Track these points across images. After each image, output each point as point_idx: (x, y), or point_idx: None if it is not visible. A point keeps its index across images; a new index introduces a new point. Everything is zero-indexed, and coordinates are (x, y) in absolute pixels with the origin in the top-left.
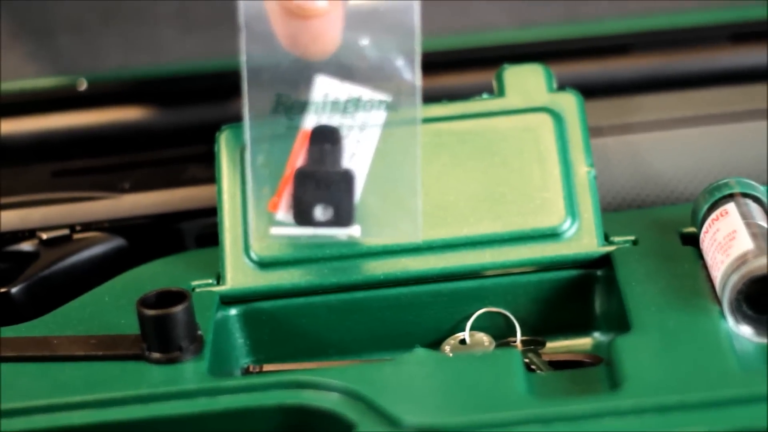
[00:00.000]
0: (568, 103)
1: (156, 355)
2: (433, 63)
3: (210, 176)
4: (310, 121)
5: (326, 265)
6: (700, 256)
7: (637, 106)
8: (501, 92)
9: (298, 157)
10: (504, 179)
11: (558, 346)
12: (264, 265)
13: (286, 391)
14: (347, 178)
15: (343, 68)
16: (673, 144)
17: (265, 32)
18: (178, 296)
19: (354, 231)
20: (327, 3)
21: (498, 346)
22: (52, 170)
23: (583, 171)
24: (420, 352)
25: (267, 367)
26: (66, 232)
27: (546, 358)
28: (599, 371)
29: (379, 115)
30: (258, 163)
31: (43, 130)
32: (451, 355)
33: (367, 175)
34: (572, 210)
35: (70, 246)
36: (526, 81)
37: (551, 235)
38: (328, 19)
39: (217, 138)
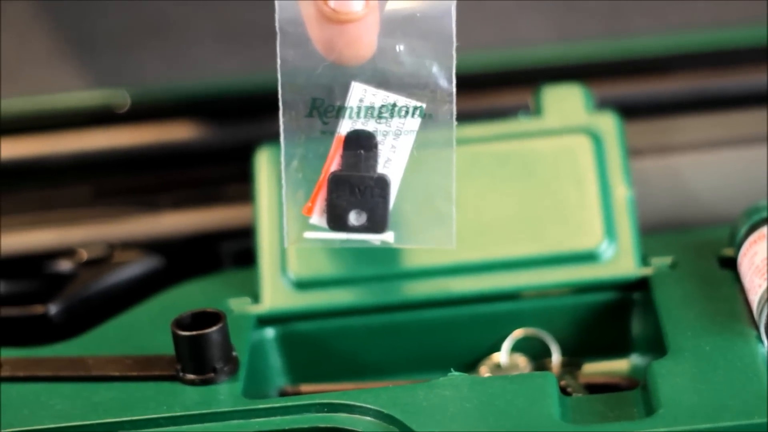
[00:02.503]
0: (607, 124)
1: (190, 376)
2: (469, 82)
3: (249, 196)
4: (345, 127)
5: (364, 285)
6: (738, 279)
7: (677, 127)
8: (538, 112)
9: (333, 162)
10: (541, 201)
11: (595, 368)
12: (301, 285)
13: (320, 414)
14: (382, 183)
15: (378, 74)
16: (714, 165)
17: (300, 36)
18: (214, 317)
19: (387, 237)
20: (363, 8)
21: (535, 367)
22: (92, 188)
23: (621, 193)
24: (454, 375)
25: (304, 388)
26: (105, 251)
27: (582, 380)
28: (635, 395)
29: (414, 122)
30: (292, 167)
31: (84, 148)
32: (486, 376)
33: (402, 181)
34: (610, 232)
35: (109, 265)
36: (564, 101)
37: (589, 257)
38: (364, 24)
39: (253, 157)
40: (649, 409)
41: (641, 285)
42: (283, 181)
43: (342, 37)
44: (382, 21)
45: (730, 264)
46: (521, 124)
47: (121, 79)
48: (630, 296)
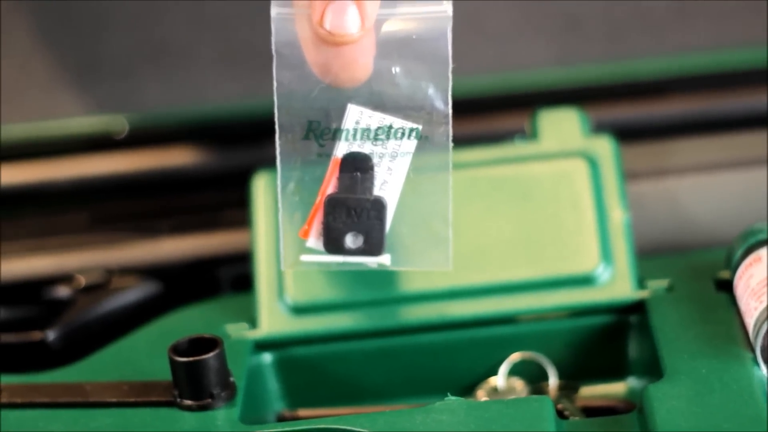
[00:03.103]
0: (603, 147)
1: (188, 402)
2: (466, 105)
3: (246, 221)
4: (341, 149)
5: (361, 310)
6: (734, 301)
7: (674, 150)
8: (535, 136)
9: (329, 185)
10: (538, 224)
11: (592, 391)
12: (298, 310)
13: None
14: (378, 206)
15: (374, 96)
16: (710, 188)
17: (296, 59)
18: (211, 343)
19: (384, 259)
20: (358, 30)
21: (532, 391)
22: (90, 214)
23: (618, 216)
24: (451, 399)
25: (301, 413)
26: (103, 276)
27: (579, 403)
28: (631, 419)
29: (411, 144)
30: (288, 190)
31: (83, 174)
32: (483, 400)
33: (398, 204)
34: (606, 255)
35: (107, 291)
36: (560, 125)
37: (585, 280)
38: (360, 46)
39: (250, 182)
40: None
41: (638, 308)
42: (280, 204)
43: (338, 60)
44: (378, 43)
45: (727, 287)
46: (517, 148)
47: (119, 105)
48: (626, 319)
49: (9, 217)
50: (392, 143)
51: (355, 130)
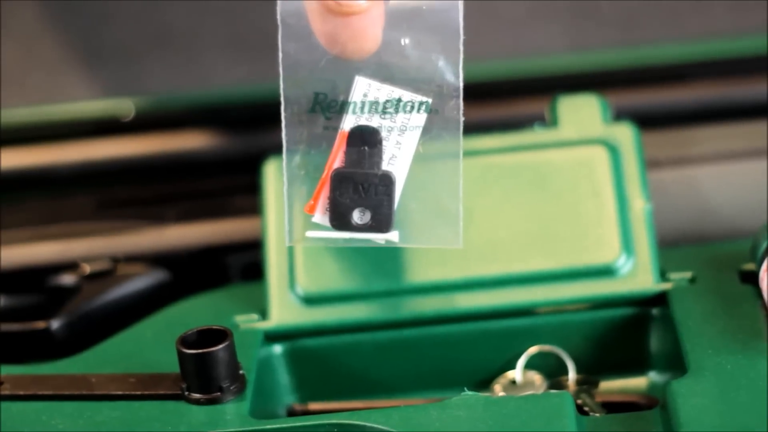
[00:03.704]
0: (624, 135)
1: (196, 395)
2: (482, 91)
3: (257, 207)
4: (348, 122)
5: (374, 300)
6: (760, 294)
7: (696, 138)
8: (554, 123)
9: (336, 159)
10: (557, 214)
11: (612, 385)
12: (310, 301)
13: None
14: (386, 181)
15: (382, 68)
16: (733, 177)
17: (302, 29)
18: (220, 334)
19: (392, 236)
20: (367, 0)
21: (550, 385)
22: (96, 200)
23: (639, 206)
24: (467, 394)
25: (312, 406)
26: (109, 264)
27: (599, 398)
28: (654, 415)
29: (420, 117)
30: (294, 164)
31: (88, 158)
32: (501, 394)
33: (407, 179)
34: (627, 246)
35: (113, 279)
36: (580, 112)
37: (606, 271)
38: (369, 16)
39: (261, 168)
40: (669, 430)
41: (659, 300)
42: (285, 178)
43: (346, 30)
44: (387, 13)
45: (752, 279)
46: (536, 135)
47: (125, 88)
48: (648, 312)
49: (12, 202)
50: (401, 117)
51: (363, 103)
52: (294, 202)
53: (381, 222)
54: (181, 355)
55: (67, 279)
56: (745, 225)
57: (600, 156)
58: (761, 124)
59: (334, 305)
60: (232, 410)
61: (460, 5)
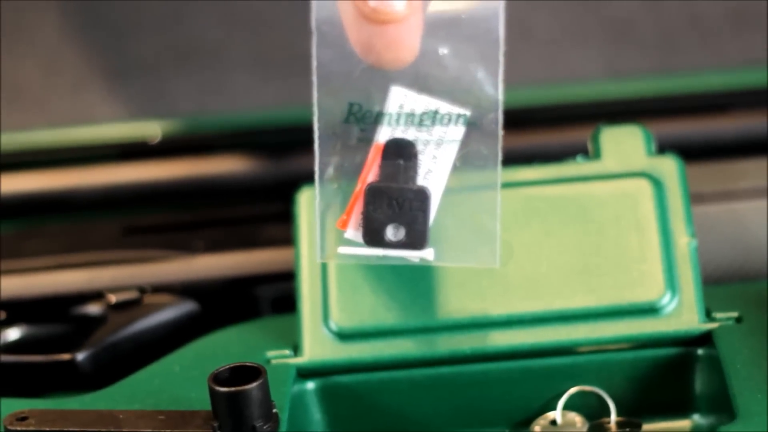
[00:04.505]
0: (669, 167)
1: None
2: (516, 118)
3: (289, 237)
4: (383, 134)
5: (411, 337)
6: None
7: (741, 171)
8: (597, 155)
9: (370, 172)
10: (599, 249)
11: (655, 428)
12: (344, 336)
13: None
14: (422, 196)
15: (419, 78)
16: None
17: (337, 37)
18: (253, 371)
19: (427, 254)
20: (405, 8)
21: (591, 427)
22: (121, 226)
23: (683, 241)
24: None
25: None
26: (136, 294)
27: None
28: None
29: (458, 130)
30: (326, 177)
31: (112, 183)
32: None
33: (443, 195)
34: (672, 283)
35: (140, 310)
36: (623, 143)
37: (649, 310)
38: (406, 25)
39: (295, 197)
40: None
41: (704, 340)
42: (317, 192)
43: (382, 39)
44: (425, 22)
45: None
46: (579, 167)
47: (152, 109)
48: (693, 352)
49: (35, 228)
50: (438, 129)
51: (399, 115)
52: (326, 217)
53: (415, 239)
54: (213, 392)
55: (93, 309)
56: None
57: (644, 189)
58: None
59: (369, 341)
60: None
61: (501, 14)
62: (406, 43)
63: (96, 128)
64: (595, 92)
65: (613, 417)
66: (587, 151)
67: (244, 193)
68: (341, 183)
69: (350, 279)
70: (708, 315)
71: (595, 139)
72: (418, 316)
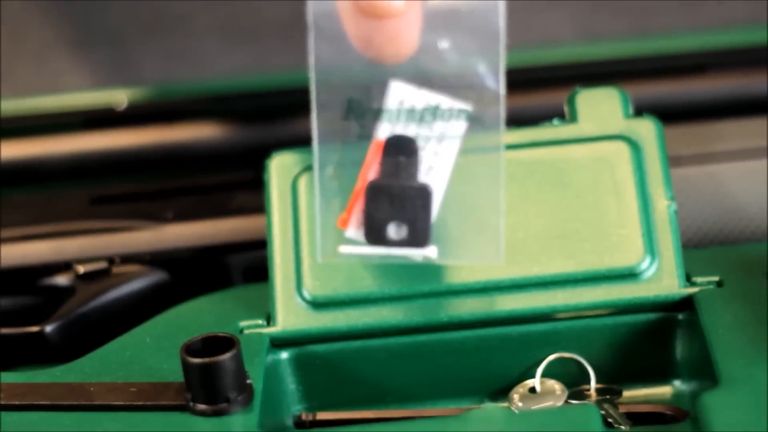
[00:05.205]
0: (647, 130)
1: (201, 406)
2: None
3: (261, 205)
4: (383, 131)
5: (386, 305)
6: None
7: (720, 133)
8: (573, 118)
9: (371, 170)
10: (577, 214)
11: (635, 395)
12: (318, 305)
13: None
14: (424, 193)
15: (420, 73)
16: (760, 175)
17: (335, 32)
18: (226, 342)
19: (430, 252)
20: (404, 2)
21: (571, 394)
22: (89, 196)
23: (662, 205)
24: (489, 408)
25: (321, 416)
26: (104, 265)
27: (623, 409)
28: (684, 429)
29: (459, 126)
30: (326, 175)
31: (79, 151)
32: (520, 404)
33: (445, 191)
34: (651, 248)
35: (109, 280)
36: (600, 106)
37: (628, 275)
38: (405, 19)
39: (266, 165)
40: None
41: (685, 305)
42: (316, 190)
43: (380, 33)
44: (424, 16)
45: None
46: (554, 130)
47: (118, 77)
48: (673, 317)
49: (0, 199)
50: (439, 125)
51: (399, 110)
52: (326, 215)
53: (418, 237)
54: (186, 364)
55: (61, 280)
56: None
57: (621, 152)
58: None
59: (343, 309)
60: (240, 422)
61: (501, 6)
62: (405, 37)
63: (61, 96)
64: (571, 54)
65: (593, 384)
66: (563, 115)
67: (213, 160)
68: (341, 181)
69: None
70: (688, 279)
71: (572, 102)
72: (393, 283)
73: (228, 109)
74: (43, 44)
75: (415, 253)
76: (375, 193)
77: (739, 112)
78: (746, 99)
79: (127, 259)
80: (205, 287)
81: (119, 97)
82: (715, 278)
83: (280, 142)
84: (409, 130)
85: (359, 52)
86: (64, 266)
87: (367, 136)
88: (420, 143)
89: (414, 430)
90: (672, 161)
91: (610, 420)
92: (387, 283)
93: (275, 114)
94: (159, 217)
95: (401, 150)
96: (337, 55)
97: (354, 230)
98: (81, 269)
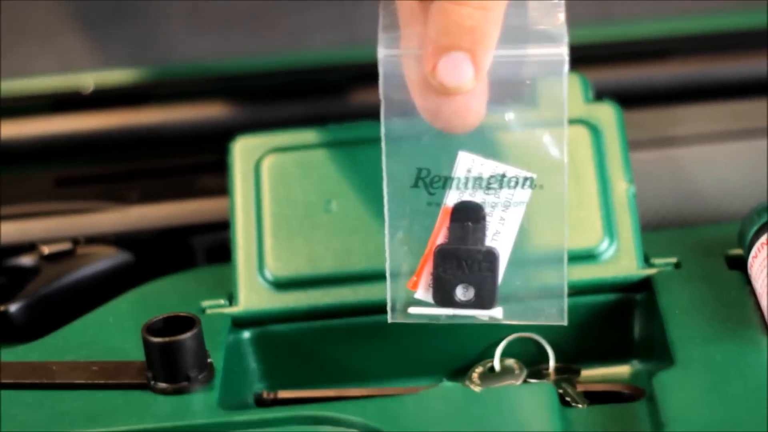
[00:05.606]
0: (606, 114)
1: (162, 385)
2: None
3: (224, 187)
4: (452, 198)
5: (346, 286)
6: (748, 281)
7: (679, 118)
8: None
9: (439, 235)
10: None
11: (593, 374)
12: (279, 285)
13: (302, 427)
14: (490, 257)
15: (486, 143)
16: (718, 158)
17: (405, 103)
18: (187, 321)
19: (496, 313)
20: (472, 81)
21: (530, 373)
22: (54, 178)
23: (621, 188)
24: (446, 386)
25: (281, 394)
26: (69, 245)
27: (582, 388)
28: (640, 408)
29: (524, 193)
30: (397, 239)
31: (45, 133)
32: (479, 383)
33: (510, 255)
34: (610, 230)
35: (73, 261)
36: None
37: (587, 256)
38: (472, 92)
39: (229, 148)
40: (657, 424)
41: (643, 286)
42: (387, 254)
43: (449, 106)
44: (490, 86)
45: (739, 265)
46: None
47: (84, 60)
48: (631, 298)
49: None
50: (505, 192)
51: (467, 179)
52: (396, 277)
53: (485, 298)
54: (146, 343)
55: (25, 260)
56: (730, 208)
57: (581, 136)
58: (747, 103)
59: (304, 290)
60: (200, 400)
61: (565, 80)
62: (472, 109)
63: (27, 80)
64: None
65: (552, 363)
66: None
67: (178, 143)
68: (411, 245)
69: (285, 228)
70: (646, 261)
71: (532, 87)
72: (354, 264)
73: (192, 92)
74: (10, 28)
75: (482, 314)
76: (443, 256)
77: (698, 97)
78: (706, 84)
79: (92, 240)
80: (169, 268)
81: (86, 81)
82: (673, 260)
83: (243, 125)
84: (476, 197)
85: (428, 123)
86: (29, 247)
87: (435, 203)
88: (487, 209)
89: (373, 408)
90: (632, 145)
91: (567, 399)
92: (347, 263)
93: (238, 97)
94: (124, 199)
95: (469, 216)
96: (407, 127)
97: (423, 292)
98: (46, 250)
